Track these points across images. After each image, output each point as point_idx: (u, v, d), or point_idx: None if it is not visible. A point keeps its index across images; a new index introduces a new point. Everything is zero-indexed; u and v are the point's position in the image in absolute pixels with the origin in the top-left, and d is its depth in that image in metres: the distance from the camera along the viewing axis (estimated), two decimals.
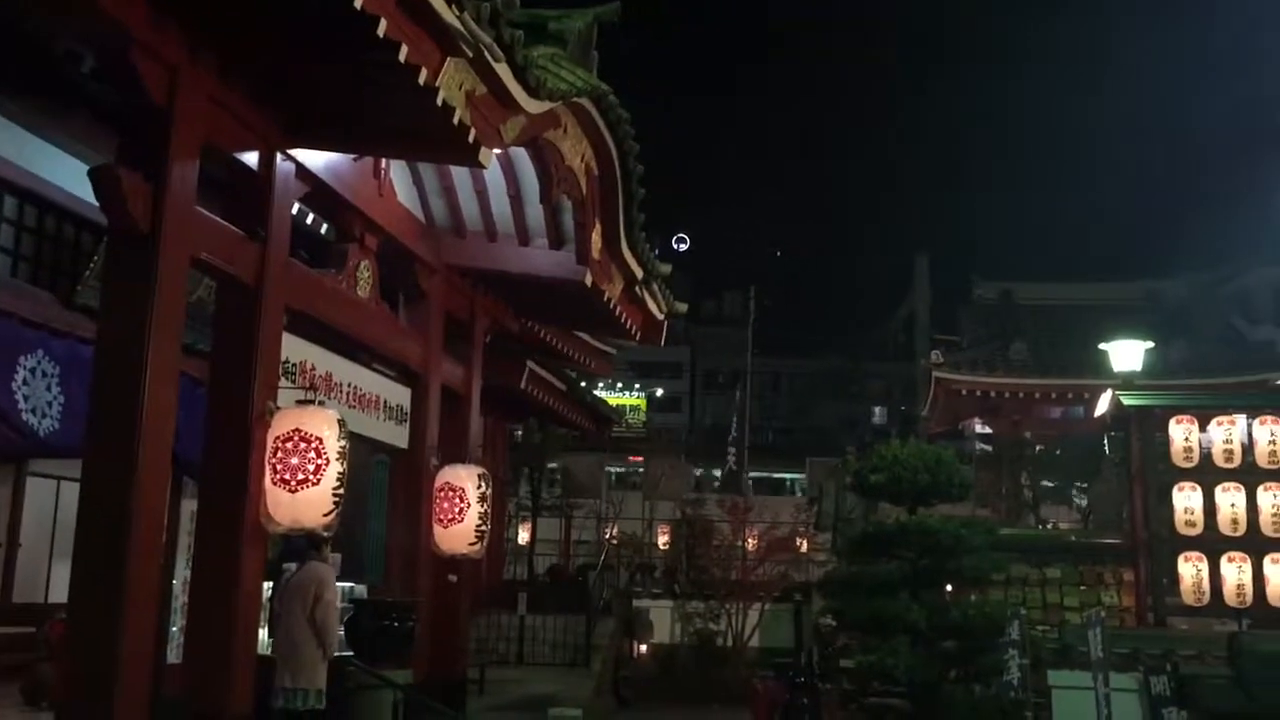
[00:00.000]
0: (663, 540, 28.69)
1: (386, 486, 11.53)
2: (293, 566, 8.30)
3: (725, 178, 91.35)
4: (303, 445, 7.24)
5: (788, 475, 47.77)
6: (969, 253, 62.63)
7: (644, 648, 22.19)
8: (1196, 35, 79.49)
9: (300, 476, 7.22)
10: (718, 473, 44.61)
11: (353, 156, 8.80)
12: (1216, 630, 11.51)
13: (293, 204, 8.19)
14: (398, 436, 10.59)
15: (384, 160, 9.44)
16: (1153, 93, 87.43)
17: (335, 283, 9.08)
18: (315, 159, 8.21)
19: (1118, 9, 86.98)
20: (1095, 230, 77.35)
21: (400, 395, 10.60)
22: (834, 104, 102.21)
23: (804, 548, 25.01)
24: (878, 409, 61.13)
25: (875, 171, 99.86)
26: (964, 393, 24.40)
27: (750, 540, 24.40)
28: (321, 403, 7.82)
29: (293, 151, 7.87)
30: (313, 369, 8.67)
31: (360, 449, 9.44)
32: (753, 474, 45.85)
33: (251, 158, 7.52)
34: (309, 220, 9.70)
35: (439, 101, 6.54)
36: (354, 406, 9.47)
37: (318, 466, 7.23)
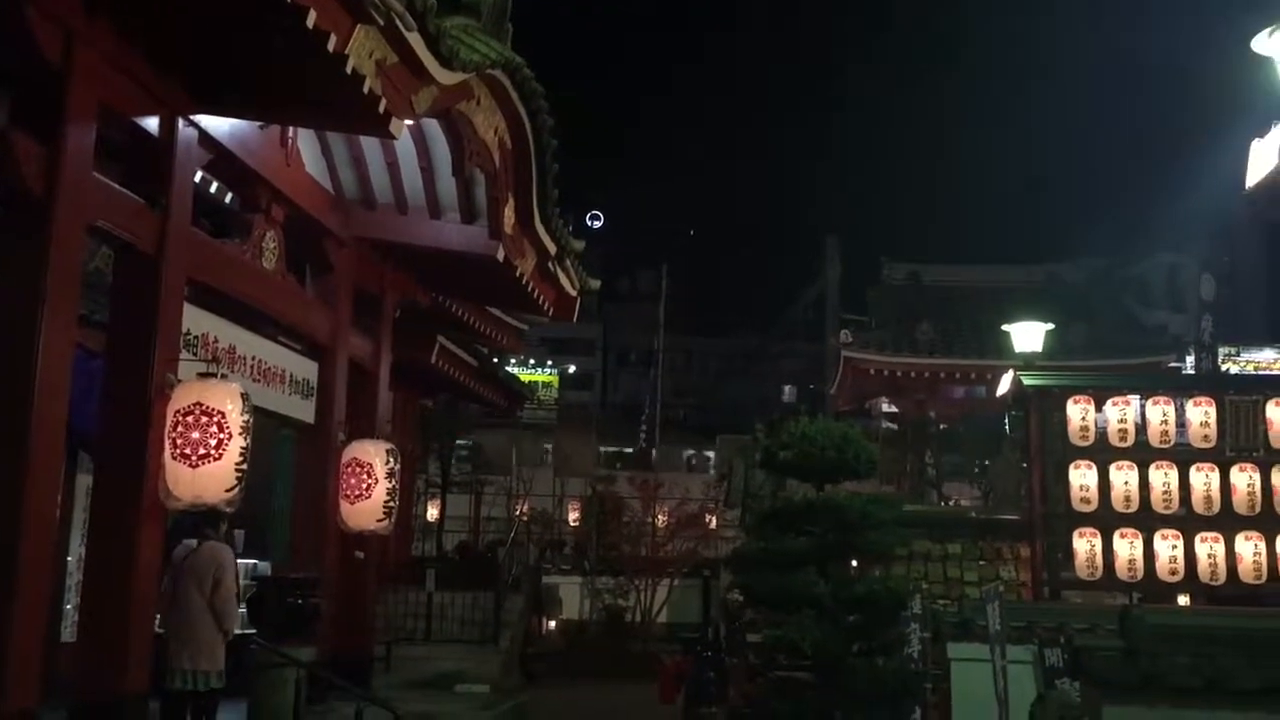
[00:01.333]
0: (573, 517, 28.72)
1: (292, 462, 11.35)
2: (192, 543, 8.11)
3: (640, 156, 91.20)
4: (204, 419, 7.10)
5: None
6: (879, 234, 63.52)
7: (553, 624, 22.22)
8: (1104, 36, 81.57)
9: (202, 451, 7.08)
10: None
11: (259, 124, 8.60)
12: (1108, 603, 11.87)
13: (195, 172, 7.99)
14: (304, 411, 10.42)
15: (291, 129, 9.24)
16: (1060, 87, 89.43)
17: (240, 253, 8.89)
18: (219, 126, 8.02)
19: (1028, 4, 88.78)
20: (1000, 215, 79.05)
21: (307, 369, 10.43)
22: (748, 86, 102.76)
23: (713, 524, 25.25)
24: (788, 388, 61.75)
25: (788, 153, 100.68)
26: (872, 372, 24.80)
27: (660, 517, 24.57)
28: (224, 376, 7.67)
29: (196, 118, 7.67)
30: (215, 341, 8.49)
31: (265, 423, 9.27)
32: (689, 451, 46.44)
33: (152, 123, 7.32)
34: (213, 189, 9.46)
35: (348, 70, 6.41)
36: (258, 380, 9.29)
37: (220, 441, 7.10)
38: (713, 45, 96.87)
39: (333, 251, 10.57)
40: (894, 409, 28.54)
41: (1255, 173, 6.43)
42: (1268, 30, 6.19)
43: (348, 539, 10.68)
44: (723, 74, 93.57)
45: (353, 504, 10.36)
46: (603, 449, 44.73)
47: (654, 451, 42.35)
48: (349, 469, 10.40)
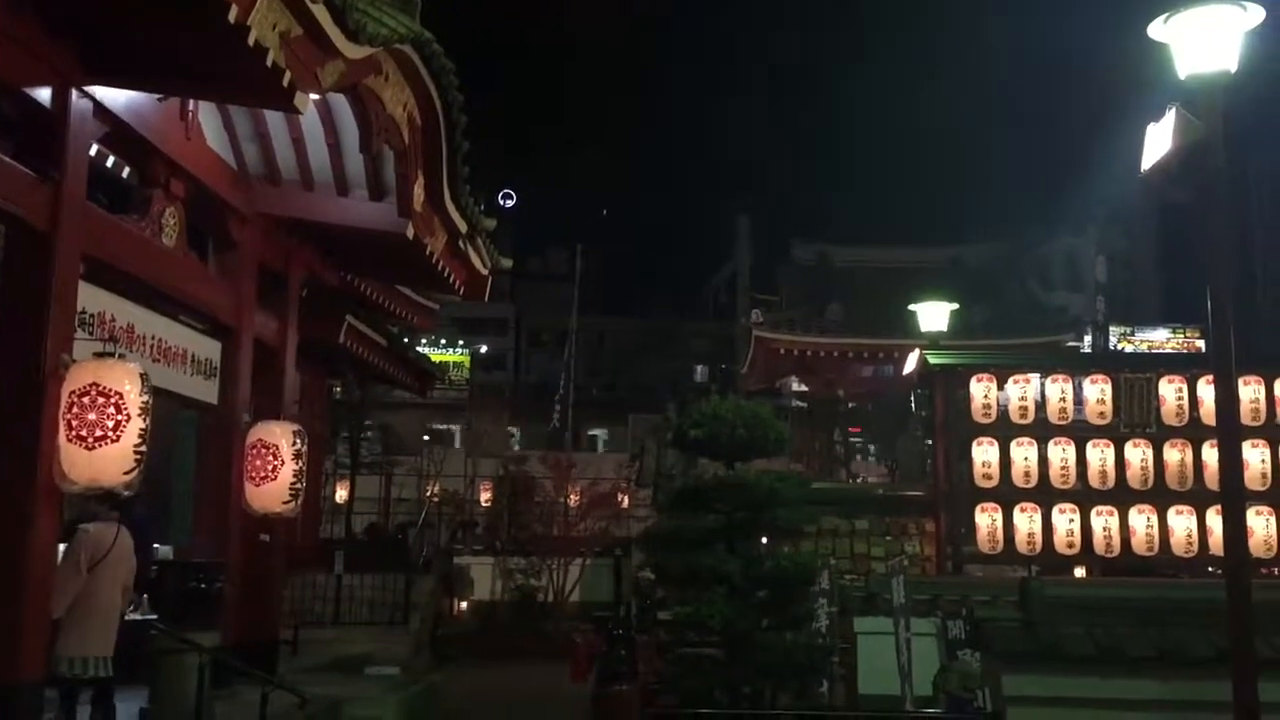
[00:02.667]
0: (485, 497, 28.61)
1: (195, 443, 11.10)
2: (89, 528, 7.88)
3: (552, 135, 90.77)
4: (101, 400, 6.91)
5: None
6: (791, 215, 64.14)
7: (464, 605, 22.12)
8: (1008, 22, 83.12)
9: (99, 433, 6.90)
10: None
11: (157, 97, 8.35)
12: (1008, 576, 12.19)
13: (90, 144, 7.76)
14: (207, 392, 10.20)
15: (191, 102, 9.00)
16: (965, 73, 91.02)
17: (138, 230, 8.65)
18: (116, 98, 7.78)
19: None
20: (907, 198, 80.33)
21: (210, 349, 10.20)
22: (660, 64, 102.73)
23: (625, 503, 25.34)
24: (699, 367, 62.08)
25: (700, 133, 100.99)
26: (782, 351, 25.14)
27: (573, 496, 24.60)
28: (122, 356, 7.49)
29: (90, 89, 7.43)
30: (112, 320, 8.26)
31: (166, 404, 9.04)
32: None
33: (44, 94, 7.08)
34: (110, 163, 9.18)
35: (251, 42, 6.26)
36: (159, 360, 9.07)
37: (118, 423, 6.92)
38: (625, 25, 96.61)
39: (236, 228, 10.34)
40: (804, 388, 28.91)
41: (1150, 156, 6.62)
42: (1163, 17, 6.35)
43: (253, 522, 10.50)
44: (634, 55, 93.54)
45: (258, 486, 10.18)
46: (515, 429, 44.59)
47: (567, 432, 42.31)
48: (254, 450, 10.20)
